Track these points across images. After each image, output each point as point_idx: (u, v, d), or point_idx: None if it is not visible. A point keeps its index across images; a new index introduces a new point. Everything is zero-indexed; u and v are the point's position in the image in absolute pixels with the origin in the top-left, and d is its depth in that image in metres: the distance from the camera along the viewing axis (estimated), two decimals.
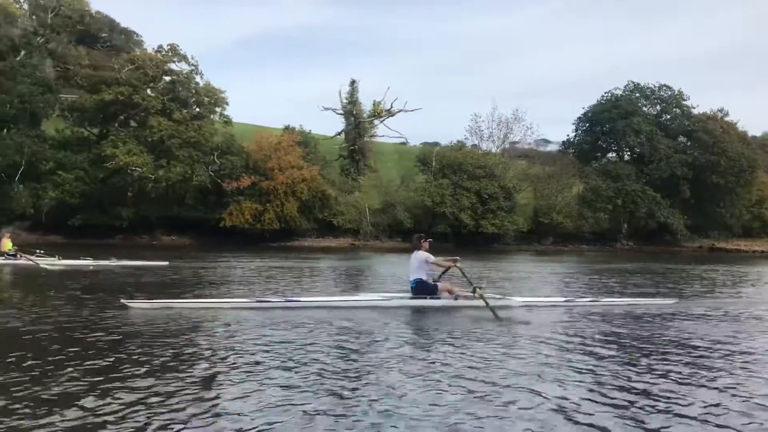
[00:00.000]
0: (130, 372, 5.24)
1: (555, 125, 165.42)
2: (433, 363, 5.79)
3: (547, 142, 70.53)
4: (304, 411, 4.24)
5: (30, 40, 45.46)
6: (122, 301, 9.01)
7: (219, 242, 40.96)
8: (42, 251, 18.93)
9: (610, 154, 53.46)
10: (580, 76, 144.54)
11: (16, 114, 41.05)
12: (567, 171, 48.51)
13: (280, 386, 4.87)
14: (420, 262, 9.74)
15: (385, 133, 52.19)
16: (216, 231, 42.65)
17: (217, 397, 4.56)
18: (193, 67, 43.98)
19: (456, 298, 9.69)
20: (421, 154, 49.21)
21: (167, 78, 42.56)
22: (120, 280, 14.48)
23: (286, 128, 46.67)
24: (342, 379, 5.14)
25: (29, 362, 5.54)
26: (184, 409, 4.24)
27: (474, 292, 9.43)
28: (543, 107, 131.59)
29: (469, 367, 5.64)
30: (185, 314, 8.33)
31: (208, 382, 4.96)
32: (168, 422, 3.98)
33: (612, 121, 49.54)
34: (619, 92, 51.89)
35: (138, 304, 8.89)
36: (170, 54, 43.58)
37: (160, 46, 43.83)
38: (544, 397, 4.66)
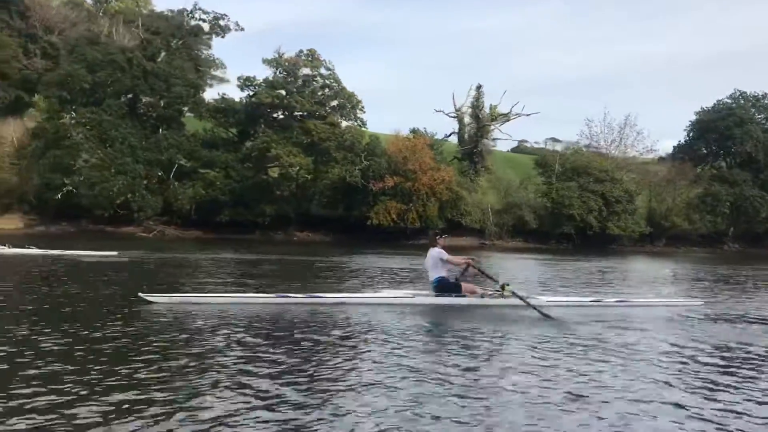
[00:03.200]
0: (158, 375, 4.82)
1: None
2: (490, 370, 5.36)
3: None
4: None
5: (169, 42, 47.39)
6: (140, 295, 8.29)
7: (353, 239, 42.03)
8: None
9: (718, 160, 55.05)
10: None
11: (171, 115, 43.07)
12: (683, 175, 50.20)
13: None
14: (435, 260, 9.23)
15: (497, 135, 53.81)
16: (348, 228, 44.29)
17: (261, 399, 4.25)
18: (330, 72, 45.82)
19: (482, 296, 9.10)
20: (539, 157, 51.01)
21: (313, 81, 44.38)
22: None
23: (414, 131, 48.37)
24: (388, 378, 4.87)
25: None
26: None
27: (503, 289, 8.92)
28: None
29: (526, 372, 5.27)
30: (207, 310, 7.92)
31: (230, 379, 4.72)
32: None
33: (728, 129, 51.19)
34: (727, 100, 53.50)
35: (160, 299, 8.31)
36: (310, 58, 45.40)
37: (300, 51, 45.68)
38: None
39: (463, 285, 9.23)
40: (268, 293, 9.42)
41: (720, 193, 48.91)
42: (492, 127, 50.87)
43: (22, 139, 43.36)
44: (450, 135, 54.71)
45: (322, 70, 45.30)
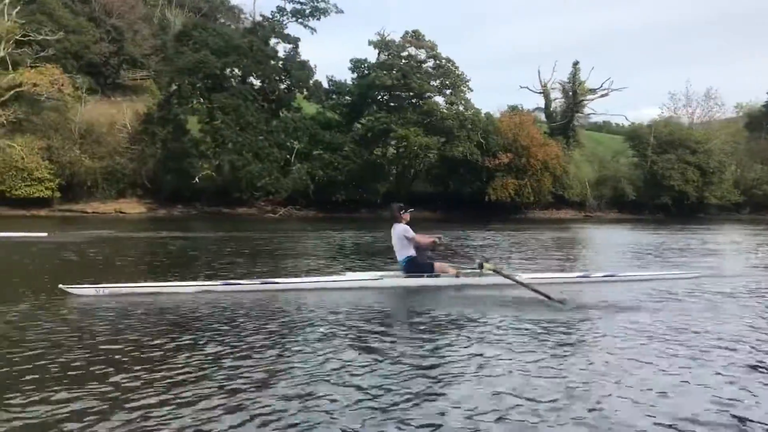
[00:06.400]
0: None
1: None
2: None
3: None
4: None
5: (274, 27, 48.07)
6: (60, 286, 7.34)
7: (458, 215, 42.81)
8: None
9: None
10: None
11: (289, 98, 44.19)
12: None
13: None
14: (400, 238, 8.32)
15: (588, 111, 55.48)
16: (454, 204, 45.75)
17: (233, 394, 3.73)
18: (434, 51, 46.88)
19: (458, 276, 8.21)
20: (631, 131, 53.03)
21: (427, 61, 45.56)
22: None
23: (513, 108, 49.74)
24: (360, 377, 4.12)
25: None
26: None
27: (481, 267, 7.91)
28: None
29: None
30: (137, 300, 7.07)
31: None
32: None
33: None
34: None
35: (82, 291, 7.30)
36: (416, 39, 46.46)
37: (407, 32, 46.71)
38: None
39: (436, 264, 8.37)
40: (215, 281, 8.20)
41: None
42: (584, 102, 52.52)
43: (134, 124, 44.36)
44: (534, 110, 56.34)
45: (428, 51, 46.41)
